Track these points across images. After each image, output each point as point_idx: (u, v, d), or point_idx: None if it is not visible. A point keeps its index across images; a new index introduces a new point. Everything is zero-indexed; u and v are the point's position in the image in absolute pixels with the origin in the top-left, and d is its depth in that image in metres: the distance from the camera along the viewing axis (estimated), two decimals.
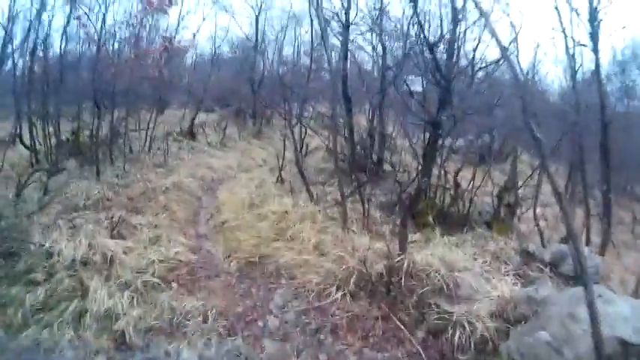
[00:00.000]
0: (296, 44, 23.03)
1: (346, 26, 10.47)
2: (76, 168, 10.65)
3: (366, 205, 7.80)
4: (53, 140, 11.21)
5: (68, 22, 11.14)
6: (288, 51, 22.98)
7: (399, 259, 5.36)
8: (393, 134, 12.38)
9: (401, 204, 7.77)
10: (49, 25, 11.80)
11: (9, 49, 11.68)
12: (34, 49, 11.60)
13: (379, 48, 11.36)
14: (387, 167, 10.94)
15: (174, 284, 5.97)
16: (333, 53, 12.16)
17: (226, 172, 12.63)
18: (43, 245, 6.26)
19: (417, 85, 10.41)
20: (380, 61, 11.55)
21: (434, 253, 5.84)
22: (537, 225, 7.89)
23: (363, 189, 8.32)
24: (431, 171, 7.68)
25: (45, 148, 11.15)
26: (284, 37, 22.21)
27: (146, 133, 13.27)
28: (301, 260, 6.12)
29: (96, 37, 11.05)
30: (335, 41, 12.18)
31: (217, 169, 12.63)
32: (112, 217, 7.63)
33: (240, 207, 8.52)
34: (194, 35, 16.19)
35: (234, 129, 18.23)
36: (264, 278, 6.10)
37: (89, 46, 11.13)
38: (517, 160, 10.09)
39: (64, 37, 11.57)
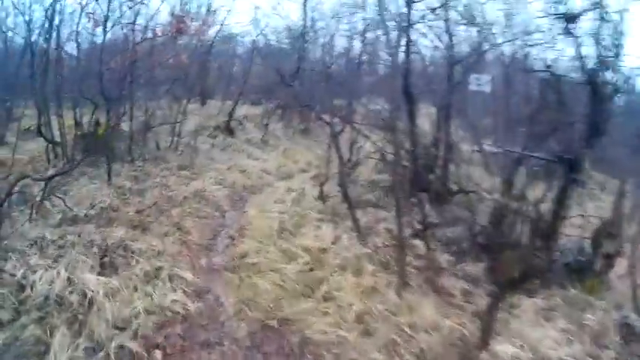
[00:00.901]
0: (349, 33, 21.14)
1: (408, 3, 8.48)
2: (92, 165, 9.25)
3: (431, 246, 5.94)
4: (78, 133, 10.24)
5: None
6: (339, 41, 21.07)
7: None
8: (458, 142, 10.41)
9: (490, 270, 5.85)
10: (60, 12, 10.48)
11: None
12: (51, 35, 10.40)
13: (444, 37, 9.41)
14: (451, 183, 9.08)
15: (157, 354, 4.36)
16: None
17: (262, 178, 11.04)
18: (14, 275, 5.12)
19: (485, 85, 8.66)
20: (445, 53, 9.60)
21: (524, 340, 4.02)
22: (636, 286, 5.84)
23: (427, 222, 6.47)
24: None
25: (64, 141, 10.11)
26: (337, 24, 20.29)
27: (173, 127, 11.79)
28: (336, 337, 4.43)
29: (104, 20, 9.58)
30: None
31: (252, 173, 11.06)
32: (105, 245, 6.16)
33: (268, 233, 6.93)
34: (211, 11, 14.10)
35: (279, 125, 16.62)
36: (282, 357, 4.38)
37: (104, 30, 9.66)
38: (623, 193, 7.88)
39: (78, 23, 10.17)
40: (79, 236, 6.47)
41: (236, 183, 10.08)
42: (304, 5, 18.73)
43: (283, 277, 5.50)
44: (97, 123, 10.62)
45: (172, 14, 9.46)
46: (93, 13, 9.47)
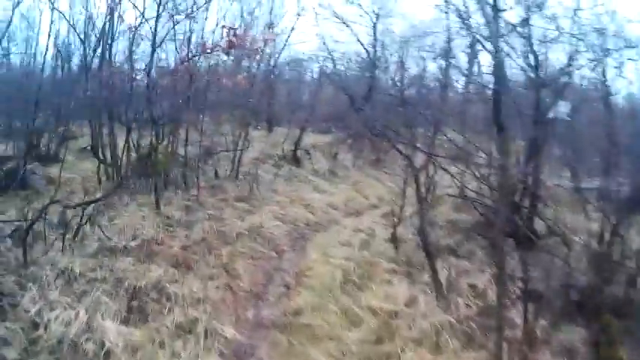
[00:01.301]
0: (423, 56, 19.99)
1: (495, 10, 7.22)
2: (145, 190, 8.59)
3: (528, 312, 4.64)
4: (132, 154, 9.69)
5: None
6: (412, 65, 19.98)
7: None
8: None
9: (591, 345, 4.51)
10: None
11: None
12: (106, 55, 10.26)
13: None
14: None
15: None
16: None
17: (328, 214, 9.99)
18: (29, 312, 4.62)
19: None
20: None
21: None
22: None
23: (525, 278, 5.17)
24: None
25: (119, 163, 9.69)
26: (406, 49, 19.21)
27: (234, 154, 11.03)
28: None
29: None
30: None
31: (317, 208, 10.04)
32: (137, 286, 5.31)
33: (329, 284, 5.91)
34: (271, 27, 13.18)
35: (349, 155, 15.56)
36: None
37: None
38: None
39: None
40: (112, 271, 5.82)
41: (298, 219, 9.08)
42: (374, 28, 17.95)
43: (342, 347, 4.39)
44: (154, 146, 10.04)
45: (223, 27, 8.62)
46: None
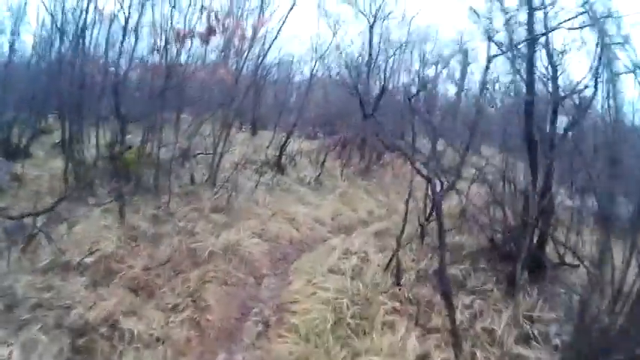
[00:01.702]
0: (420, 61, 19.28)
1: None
2: (113, 195, 7.66)
3: None
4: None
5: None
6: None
7: None
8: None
9: None
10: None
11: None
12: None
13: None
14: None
15: None
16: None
17: (314, 230, 9.08)
18: None
19: None
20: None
21: None
22: None
23: None
24: None
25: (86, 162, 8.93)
26: (403, 52, 18.41)
27: (212, 159, 10.07)
28: None
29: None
30: None
31: (302, 223, 9.11)
32: (82, 322, 4.42)
33: (318, 326, 4.94)
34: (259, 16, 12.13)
35: (336, 163, 14.62)
36: None
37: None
38: None
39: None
40: (60, 295, 5.02)
41: (280, 236, 8.14)
42: (370, 32, 17.13)
43: None
44: (121, 146, 9.08)
45: (202, 8, 7.66)
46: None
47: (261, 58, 11.99)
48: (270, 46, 11.81)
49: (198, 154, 10.75)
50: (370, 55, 16.79)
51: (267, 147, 12.97)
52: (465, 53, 20.73)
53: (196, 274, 5.87)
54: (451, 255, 7.45)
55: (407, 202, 7.42)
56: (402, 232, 6.91)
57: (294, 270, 6.88)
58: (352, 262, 6.82)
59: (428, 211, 8.58)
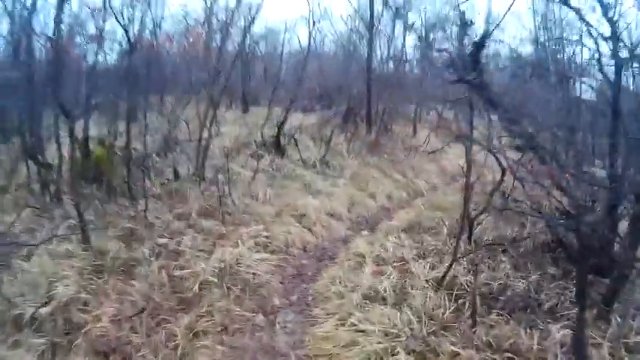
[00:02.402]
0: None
1: None
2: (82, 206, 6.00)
3: None
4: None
5: None
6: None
7: None
8: None
9: None
10: None
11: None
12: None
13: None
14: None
15: None
16: None
17: (330, 230, 7.46)
18: None
19: None
20: None
21: None
22: None
23: None
24: None
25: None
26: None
27: (199, 146, 8.37)
28: None
29: None
30: None
31: (315, 220, 7.46)
32: None
33: None
34: None
35: (341, 139, 12.86)
36: None
37: None
38: None
39: None
40: None
41: (290, 242, 6.48)
42: None
43: None
44: (84, 141, 7.38)
45: None
46: None
47: (247, 27, 10.21)
48: (256, 13, 10.03)
49: (182, 141, 9.04)
50: (372, 16, 14.89)
51: (262, 126, 11.20)
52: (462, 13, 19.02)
53: (185, 321, 4.23)
54: (504, 256, 5.92)
55: (467, 196, 5.73)
56: (460, 232, 5.28)
57: (315, 295, 5.24)
58: (392, 279, 5.20)
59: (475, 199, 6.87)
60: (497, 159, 6.08)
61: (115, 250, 5.36)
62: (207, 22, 10.00)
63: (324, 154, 11.31)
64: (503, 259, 5.76)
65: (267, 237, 6.34)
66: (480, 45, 5.26)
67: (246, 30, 11.20)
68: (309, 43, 12.85)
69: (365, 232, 7.47)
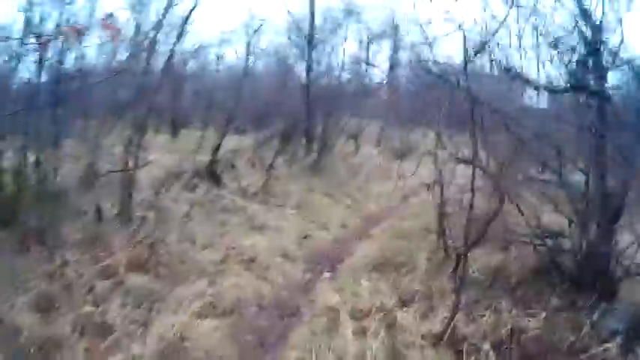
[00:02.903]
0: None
1: None
2: None
3: None
4: None
5: None
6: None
7: None
8: None
9: None
10: None
11: None
12: None
13: None
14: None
15: None
16: None
17: (285, 276, 6.25)
18: None
19: None
20: None
21: None
22: None
23: None
24: None
25: None
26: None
27: (123, 179, 7.10)
28: None
29: None
30: None
31: (266, 265, 6.30)
32: None
33: None
34: None
35: (279, 160, 11.77)
36: None
37: None
38: None
39: None
40: None
41: (243, 300, 5.26)
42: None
43: None
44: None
45: None
46: None
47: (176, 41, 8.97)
48: (184, 27, 8.82)
49: (107, 172, 7.67)
50: (312, 26, 14.01)
51: (196, 151, 9.93)
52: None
53: None
54: (498, 289, 5.18)
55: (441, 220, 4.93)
56: (460, 287, 4.38)
57: None
58: (378, 339, 4.20)
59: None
60: (495, 181, 5.25)
61: (28, 324, 4.02)
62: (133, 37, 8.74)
63: (266, 181, 10.21)
64: (498, 293, 4.96)
65: (212, 295, 5.12)
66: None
67: (175, 44, 9.99)
68: (246, 58, 11.70)
69: (327, 274, 6.44)
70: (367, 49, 18.50)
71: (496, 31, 5.62)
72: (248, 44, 11.51)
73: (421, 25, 6.75)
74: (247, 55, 11.62)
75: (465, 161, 6.38)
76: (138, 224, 6.57)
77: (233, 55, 15.82)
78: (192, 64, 14.58)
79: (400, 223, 8.72)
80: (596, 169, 5.20)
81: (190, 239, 6.63)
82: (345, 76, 16.28)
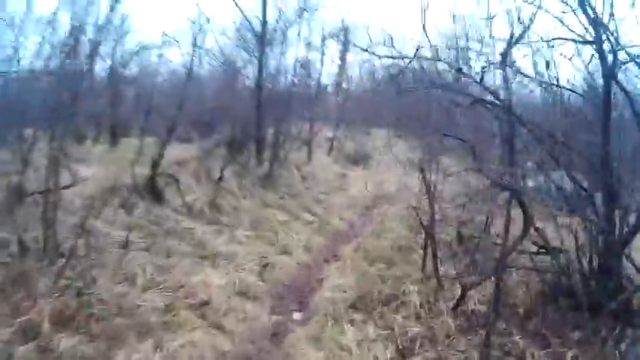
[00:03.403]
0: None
1: None
2: None
3: None
4: None
5: None
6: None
7: None
8: None
9: None
10: None
11: None
12: None
13: None
14: None
15: None
16: None
17: (248, 322, 5.13)
18: None
19: None
20: None
21: None
22: None
23: None
24: None
25: None
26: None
27: (45, 201, 5.76)
28: None
29: None
30: None
31: (224, 310, 5.13)
32: None
33: None
34: None
35: (228, 171, 10.50)
36: None
37: None
38: None
39: None
40: None
41: None
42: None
43: None
44: None
45: None
46: None
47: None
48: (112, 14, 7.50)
49: (31, 194, 6.27)
50: (264, 24, 12.79)
51: (134, 163, 8.59)
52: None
53: None
54: (502, 319, 4.34)
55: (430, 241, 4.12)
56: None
57: None
58: None
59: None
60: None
61: None
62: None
63: (214, 196, 9.01)
64: (509, 329, 4.35)
65: None
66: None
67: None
68: (191, 60, 10.36)
69: (297, 315, 5.36)
70: (322, 51, 17.45)
71: None
72: (194, 45, 10.15)
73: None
74: (192, 56, 10.27)
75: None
76: (66, 259, 5.25)
77: (178, 56, 14.23)
78: (133, 67, 13.25)
79: (372, 241, 7.77)
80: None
81: (129, 278, 5.38)
82: (297, 78, 15.15)
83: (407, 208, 9.80)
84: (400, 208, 9.85)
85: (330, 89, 18.63)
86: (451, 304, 4.86)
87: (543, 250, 5.01)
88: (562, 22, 4.67)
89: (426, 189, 5.87)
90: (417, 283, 5.45)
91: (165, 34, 11.27)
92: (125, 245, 6.09)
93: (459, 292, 4.91)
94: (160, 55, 12.39)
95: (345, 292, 5.61)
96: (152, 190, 8.48)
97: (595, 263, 4.71)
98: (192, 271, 5.81)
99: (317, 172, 13.36)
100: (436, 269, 5.41)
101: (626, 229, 4.45)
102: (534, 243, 5.13)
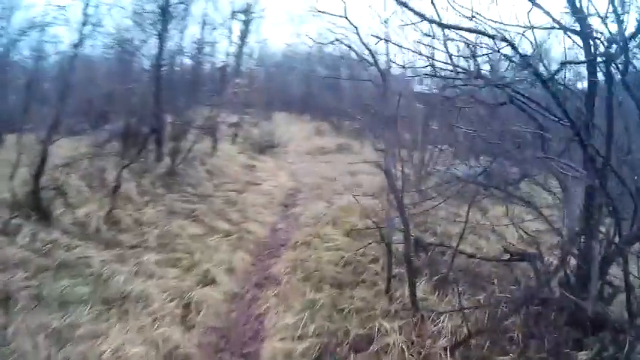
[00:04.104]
0: None
1: None
2: None
3: None
4: None
5: None
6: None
7: None
8: None
9: None
10: None
11: None
12: None
13: None
14: None
15: None
16: None
17: None
18: None
19: None
20: None
21: None
22: None
23: None
24: None
25: None
26: None
27: None
28: None
29: None
30: None
31: None
32: None
33: None
34: None
35: (125, 173, 9.00)
36: None
37: None
38: None
39: None
40: None
41: None
42: None
43: None
44: None
45: None
46: None
47: None
48: None
49: None
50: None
51: (14, 171, 6.94)
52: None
53: None
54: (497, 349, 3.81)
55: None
56: None
57: None
58: None
59: None
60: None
61: None
62: None
63: (110, 208, 7.66)
64: None
65: None
66: None
67: None
68: (79, 39, 8.58)
69: None
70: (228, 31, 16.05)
71: None
72: (83, 22, 8.42)
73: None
74: (81, 32, 8.52)
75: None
76: None
77: (67, 36, 12.06)
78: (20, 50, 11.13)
79: (308, 254, 6.79)
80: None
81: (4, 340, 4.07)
82: (198, 61, 13.70)
83: (331, 205, 9.06)
84: (325, 207, 9.09)
85: (232, 70, 17.28)
86: (444, 341, 4.10)
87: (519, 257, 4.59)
88: None
89: (390, 189, 5.08)
90: (390, 317, 4.64)
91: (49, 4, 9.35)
92: (6, 299, 4.71)
93: (445, 323, 4.22)
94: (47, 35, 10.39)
95: (299, 337, 4.65)
96: (36, 206, 6.95)
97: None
98: (96, 333, 4.55)
99: (223, 165, 12.17)
100: (413, 295, 4.61)
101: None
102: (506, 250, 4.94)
